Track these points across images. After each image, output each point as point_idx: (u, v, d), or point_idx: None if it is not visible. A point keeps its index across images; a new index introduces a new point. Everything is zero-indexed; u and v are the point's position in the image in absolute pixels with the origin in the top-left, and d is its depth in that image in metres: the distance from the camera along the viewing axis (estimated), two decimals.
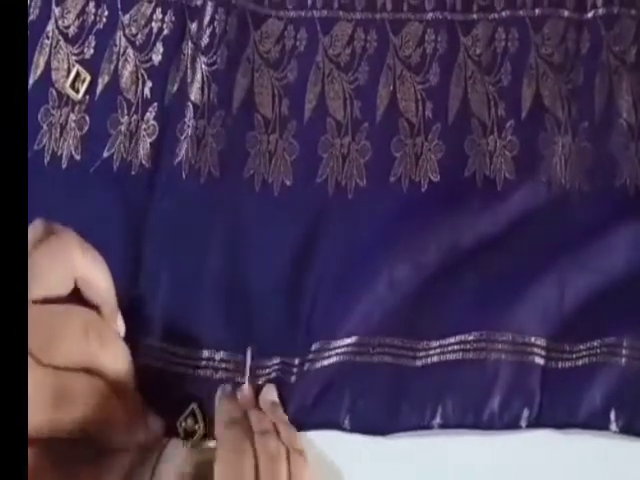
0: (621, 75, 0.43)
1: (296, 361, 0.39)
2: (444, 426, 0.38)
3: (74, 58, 0.43)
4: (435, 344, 0.39)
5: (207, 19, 0.44)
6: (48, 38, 0.43)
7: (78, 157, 0.42)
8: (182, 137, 0.42)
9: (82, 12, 0.44)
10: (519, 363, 0.38)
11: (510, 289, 0.39)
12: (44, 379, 0.28)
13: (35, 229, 0.31)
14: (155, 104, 0.43)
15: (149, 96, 0.43)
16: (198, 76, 0.43)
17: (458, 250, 0.40)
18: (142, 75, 0.43)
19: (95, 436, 0.30)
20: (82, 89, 0.43)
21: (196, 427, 0.37)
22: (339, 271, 0.40)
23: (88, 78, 0.43)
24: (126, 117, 0.43)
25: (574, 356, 0.39)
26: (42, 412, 0.27)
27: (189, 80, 0.43)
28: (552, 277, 0.39)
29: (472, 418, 0.38)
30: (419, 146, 0.43)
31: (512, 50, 0.44)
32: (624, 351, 0.38)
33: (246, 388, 0.38)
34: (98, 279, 0.32)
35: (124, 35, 0.44)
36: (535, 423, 0.38)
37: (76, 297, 0.31)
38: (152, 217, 0.41)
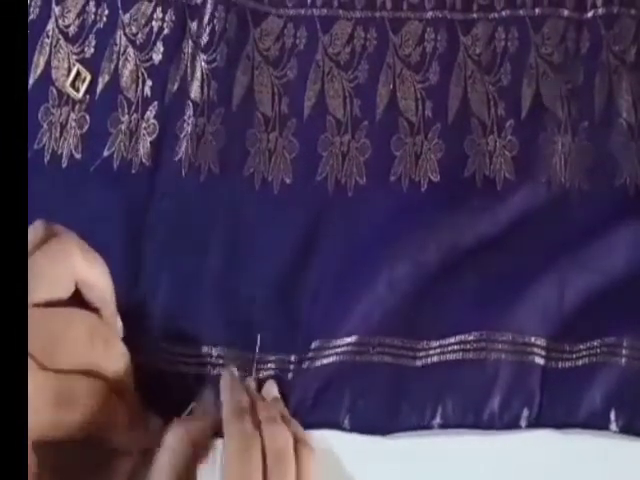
0: (621, 75, 0.43)
1: (292, 358, 0.39)
2: (444, 426, 0.38)
3: (74, 57, 0.43)
4: (435, 344, 0.39)
5: (207, 17, 0.44)
6: (48, 37, 0.43)
7: (78, 156, 0.42)
8: (182, 135, 0.42)
9: (82, 11, 0.44)
10: (519, 363, 0.38)
11: (510, 289, 0.39)
12: (46, 382, 0.28)
13: (36, 230, 0.30)
14: (155, 103, 0.43)
15: (149, 95, 0.43)
16: (198, 74, 0.43)
17: (458, 250, 0.40)
18: (142, 74, 0.43)
19: (96, 438, 0.30)
20: (82, 88, 0.43)
21: None
22: (339, 270, 0.40)
23: (88, 77, 0.43)
24: (126, 116, 0.43)
25: (574, 356, 0.39)
26: (44, 415, 0.27)
27: (189, 78, 0.43)
28: (552, 277, 0.39)
29: (472, 418, 0.38)
30: (419, 145, 0.43)
31: (512, 50, 0.44)
32: (624, 351, 0.38)
33: (253, 379, 0.38)
34: (99, 282, 0.32)
35: (124, 34, 0.44)
36: (535, 423, 0.38)
37: (77, 300, 0.31)
38: (152, 216, 0.41)
